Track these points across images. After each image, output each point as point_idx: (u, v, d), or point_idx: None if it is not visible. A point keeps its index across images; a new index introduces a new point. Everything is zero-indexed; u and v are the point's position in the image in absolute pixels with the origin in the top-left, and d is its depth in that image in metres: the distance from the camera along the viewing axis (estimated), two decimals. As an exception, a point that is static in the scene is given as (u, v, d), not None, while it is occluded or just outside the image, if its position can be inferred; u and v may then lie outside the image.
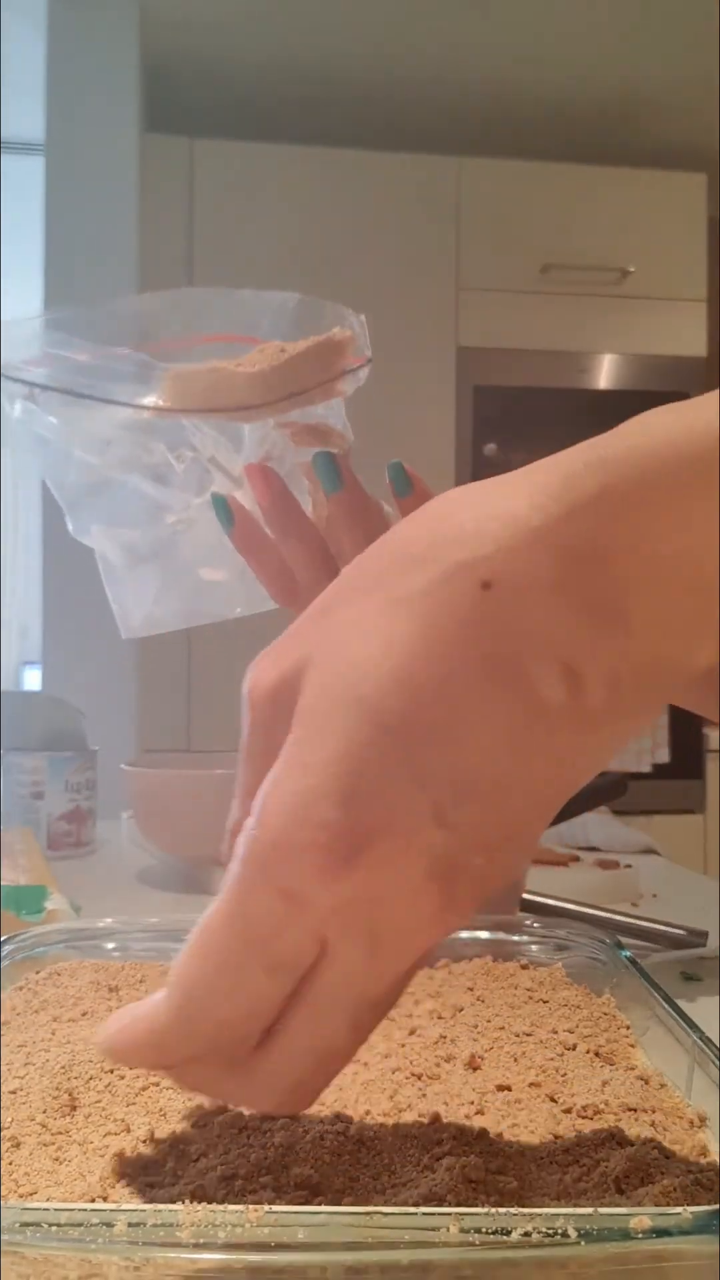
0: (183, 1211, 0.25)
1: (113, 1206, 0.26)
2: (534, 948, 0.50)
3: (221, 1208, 0.25)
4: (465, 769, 0.24)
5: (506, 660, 0.24)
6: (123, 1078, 0.35)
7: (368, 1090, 0.34)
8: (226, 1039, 0.26)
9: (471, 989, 0.45)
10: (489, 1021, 0.41)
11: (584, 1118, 0.33)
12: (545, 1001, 0.44)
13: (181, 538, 0.53)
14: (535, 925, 0.51)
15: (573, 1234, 0.24)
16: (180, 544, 0.53)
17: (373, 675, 0.24)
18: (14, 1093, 0.34)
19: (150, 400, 0.47)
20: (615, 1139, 0.31)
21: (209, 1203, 0.26)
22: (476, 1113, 0.33)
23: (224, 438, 0.50)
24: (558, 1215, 0.25)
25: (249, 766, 0.28)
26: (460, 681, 0.24)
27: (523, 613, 0.24)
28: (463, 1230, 0.24)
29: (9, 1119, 0.32)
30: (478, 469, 2.47)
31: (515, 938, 0.50)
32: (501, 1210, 0.25)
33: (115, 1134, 0.31)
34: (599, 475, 0.25)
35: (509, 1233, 0.24)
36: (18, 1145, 0.31)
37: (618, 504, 0.24)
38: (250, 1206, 0.25)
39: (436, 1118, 0.32)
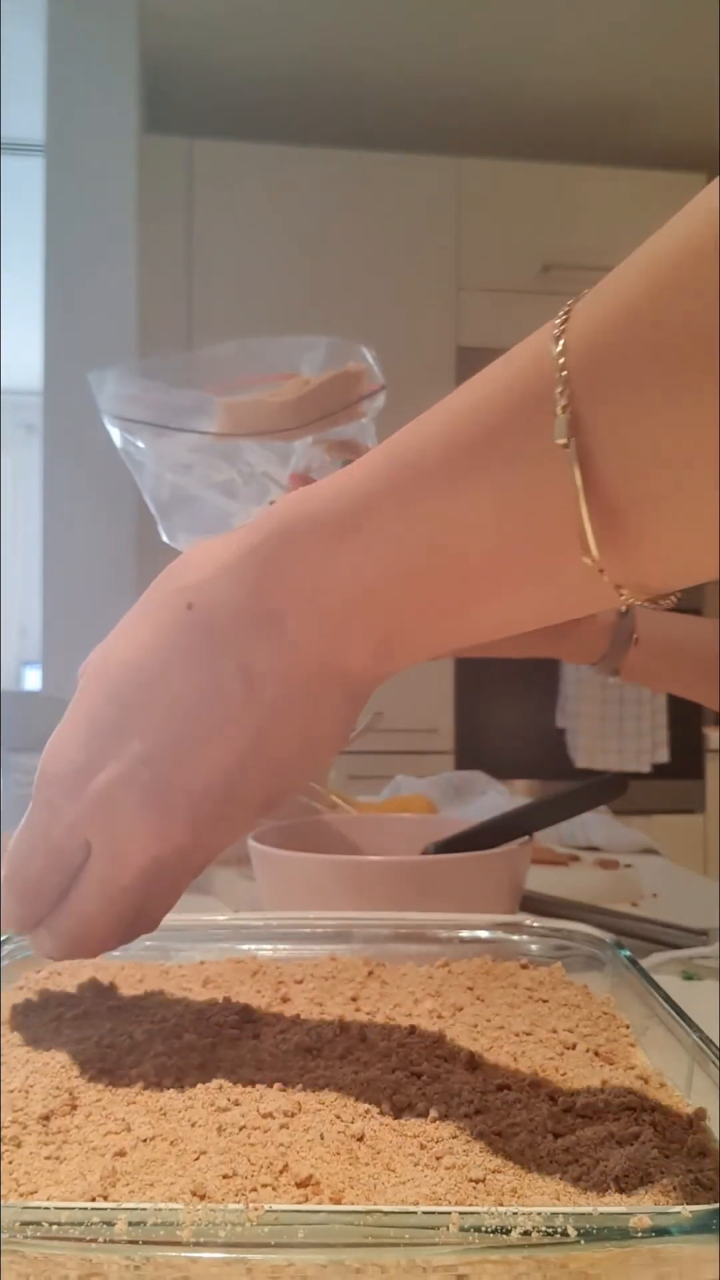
0: (183, 1210, 0.25)
1: (113, 1205, 0.26)
2: (534, 948, 0.50)
3: (221, 1206, 0.25)
4: (166, 730, 0.35)
5: (201, 658, 0.35)
6: (123, 1077, 0.35)
7: (368, 1090, 0.34)
8: (33, 902, 0.37)
9: (471, 988, 0.45)
10: (489, 1021, 0.41)
11: (584, 1117, 0.33)
12: (545, 1001, 0.44)
13: None
14: (535, 925, 0.51)
15: (572, 1233, 0.24)
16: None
17: (113, 662, 0.36)
18: (14, 1092, 0.34)
19: (211, 428, 0.62)
20: (615, 1139, 0.31)
21: (209, 1201, 0.26)
22: (476, 1112, 0.33)
23: (274, 455, 0.63)
24: (557, 1214, 0.25)
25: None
26: (170, 671, 0.35)
27: (213, 626, 0.35)
28: (463, 1230, 0.24)
29: (9, 1119, 0.32)
30: (478, 469, 2.47)
31: (515, 938, 0.50)
32: (501, 1209, 0.25)
33: (115, 1133, 0.31)
34: (267, 525, 0.34)
35: (509, 1232, 0.24)
36: (18, 1145, 0.31)
37: (274, 548, 0.34)
38: (250, 1205, 0.25)
39: (437, 1117, 0.32)
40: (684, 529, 0.27)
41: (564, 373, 0.27)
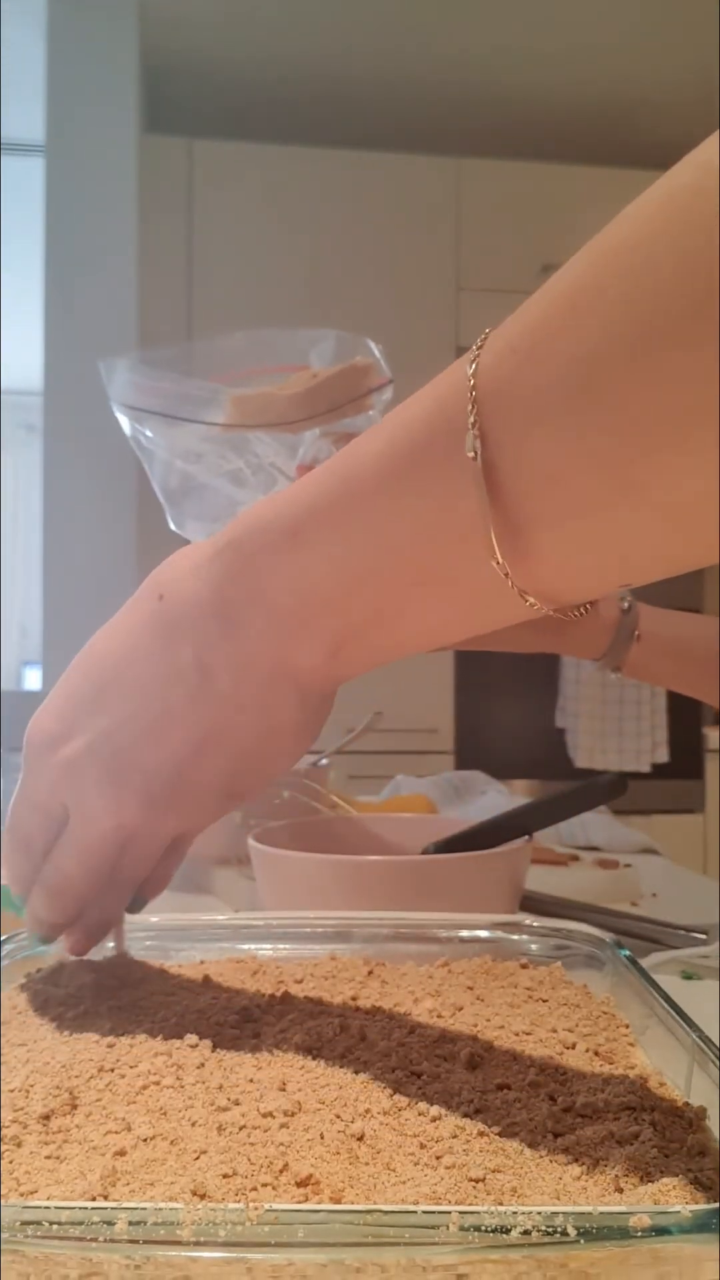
0: (183, 1210, 0.25)
1: (113, 1205, 0.26)
2: (534, 947, 0.50)
3: (221, 1206, 0.25)
4: (127, 710, 0.38)
5: (164, 647, 0.38)
6: (123, 1077, 0.35)
7: (368, 1089, 0.34)
8: (27, 854, 0.42)
9: (471, 988, 0.45)
10: (489, 1021, 0.41)
11: (584, 1117, 0.33)
12: (545, 1001, 0.44)
13: None
14: (535, 925, 0.51)
15: (572, 1232, 0.24)
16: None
17: (95, 645, 0.40)
18: (14, 1092, 0.34)
19: (219, 418, 0.62)
20: (615, 1138, 0.31)
21: (209, 1201, 0.26)
22: (476, 1112, 0.33)
23: (282, 446, 0.63)
24: (557, 1214, 0.25)
25: None
26: (136, 656, 0.38)
27: (178, 618, 0.38)
28: (463, 1229, 0.24)
29: (9, 1119, 0.32)
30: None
31: (515, 937, 0.50)
32: (501, 1209, 0.25)
33: (115, 1133, 0.31)
34: (231, 531, 0.37)
35: (509, 1231, 0.24)
36: (18, 1144, 0.31)
37: (235, 552, 0.36)
38: (250, 1205, 0.25)
39: (436, 1117, 0.32)
40: (581, 545, 0.30)
41: (474, 393, 0.29)
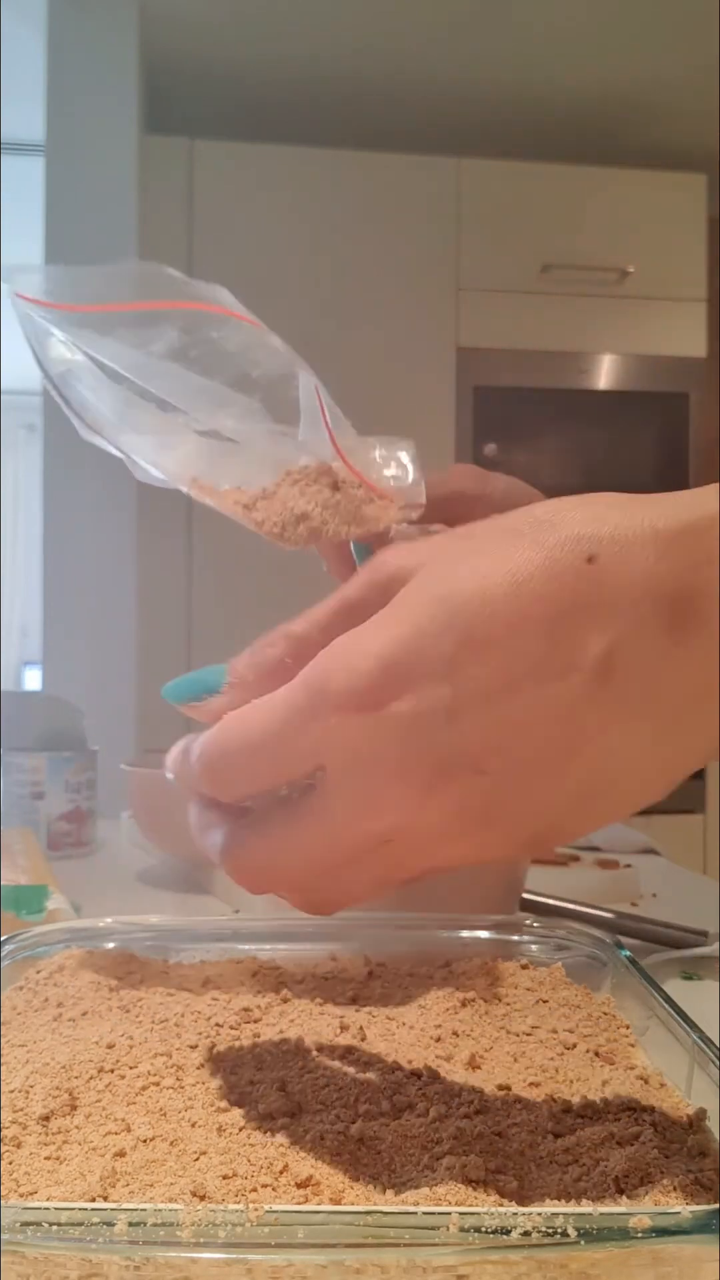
0: (183, 1211, 0.25)
1: (113, 1206, 0.26)
2: (534, 948, 0.50)
3: (221, 1207, 0.25)
4: (491, 692, 0.28)
5: (578, 627, 0.27)
6: (123, 1077, 0.35)
7: (368, 1090, 0.34)
8: (227, 790, 0.32)
9: (471, 988, 0.45)
10: (489, 1021, 0.41)
11: (584, 1117, 0.33)
12: (545, 1001, 0.44)
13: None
14: (535, 925, 0.51)
15: (573, 1233, 0.24)
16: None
17: (463, 588, 0.28)
18: (14, 1092, 0.34)
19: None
20: (615, 1139, 0.31)
21: (209, 1202, 0.26)
22: (476, 1113, 0.33)
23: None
24: (557, 1215, 0.25)
25: (336, 604, 0.33)
26: (528, 626, 0.28)
27: (614, 599, 0.27)
28: (463, 1230, 0.24)
29: (9, 1119, 0.32)
30: (478, 469, 2.47)
31: (515, 938, 0.50)
32: (501, 1210, 0.25)
33: (115, 1133, 0.31)
34: None
35: (509, 1232, 0.24)
36: (18, 1145, 0.31)
37: None
38: (250, 1206, 0.25)
39: (437, 1117, 0.32)
40: None
41: None
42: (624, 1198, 0.28)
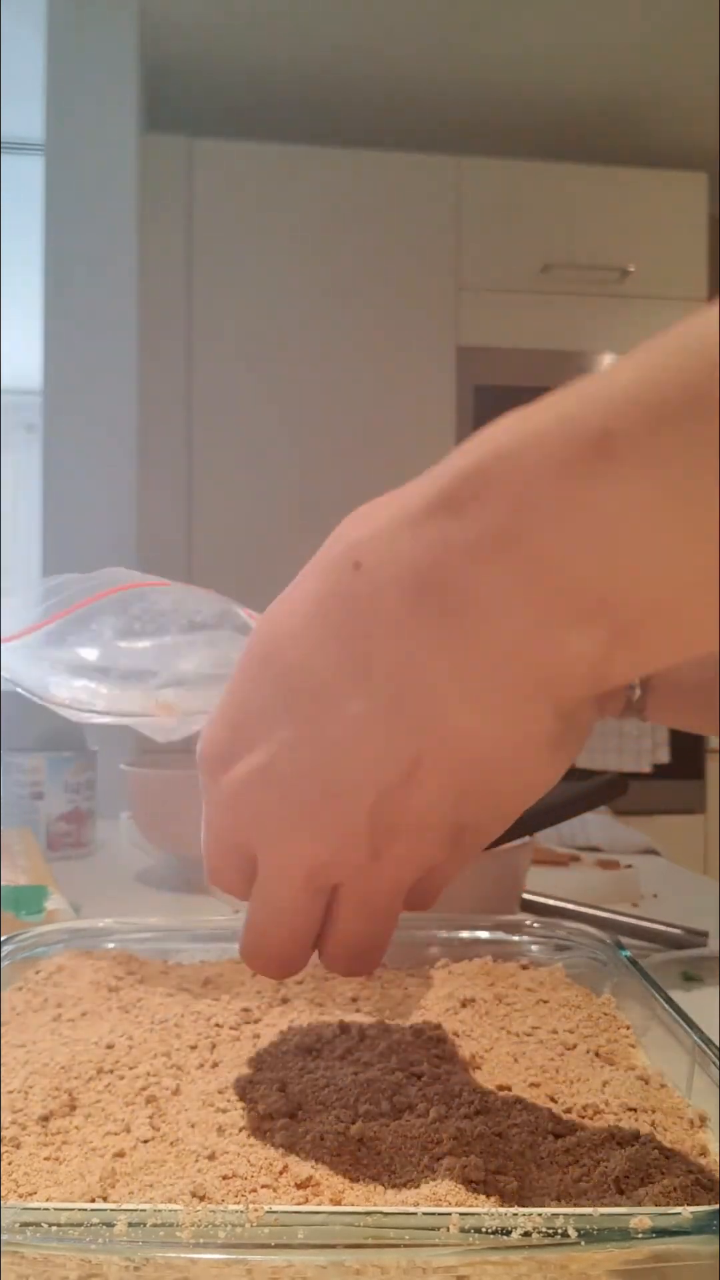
0: (183, 1211, 0.25)
1: (113, 1206, 0.26)
2: (534, 948, 0.50)
3: (221, 1207, 0.25)
4: (314, 715, 0.29)
5: (363, 634, 0.28)
6: (122, 1078, 0.35)
7: (368, 1090, 0.34)
8: (223, 884, 0.33)
9: (472, 989, 0.45)
10: (489, 1021, 0.41)
11: (584, 1118, 0.33)
12: (545, 1001, 0.44)
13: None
14: (535, 925, 0.51)
15: (573, 1234, 0.24)
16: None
17: (272, 630, 0.30)
18: (14, 1093, 0.34)
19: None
20: (615, 1139, 0.31)
21: (209, 1202, 0.26)
22: (476, 1113, 0.33)
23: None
24: (558, 1215, 0.25)
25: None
26: (325, 643, 0.28)
27: (381, 594, 0.27)
28: (463, 1230, 0.24)
29: (9, 1119, 0.32)
30: (478, 469, 2.46)
31: (515, 938, 0.50)
32: (501, 1210, 0.25)
33: (115, 1134, 0.31)
34: (470, 458, 0.27)
35: (509, 1233, 0.24)
36: (18, 1145, 0.31)
37: (486, 483, 0.26)
38: (250, 1206, 0.25)
39: (437, 1118, 0.32)
40: None
41: None
42: (624, 1198, 0.28)
